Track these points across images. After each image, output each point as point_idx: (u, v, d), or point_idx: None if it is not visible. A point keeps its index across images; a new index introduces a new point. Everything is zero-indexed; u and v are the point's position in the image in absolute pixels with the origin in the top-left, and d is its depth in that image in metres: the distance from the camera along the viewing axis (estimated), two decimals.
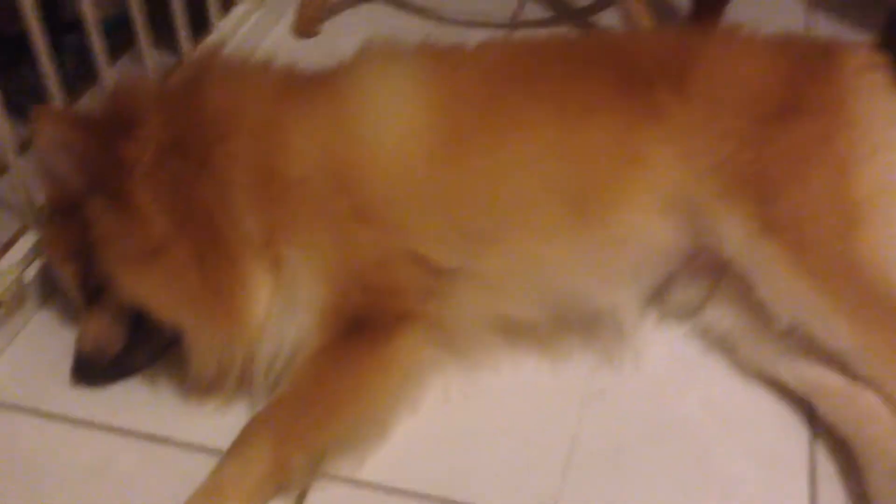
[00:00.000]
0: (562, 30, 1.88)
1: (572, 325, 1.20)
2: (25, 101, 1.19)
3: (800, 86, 1.15)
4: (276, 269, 1.12)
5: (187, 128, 1.13)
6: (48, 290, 1.29)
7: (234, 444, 1.05)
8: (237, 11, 1.77)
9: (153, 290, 1.09)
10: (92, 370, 1.17)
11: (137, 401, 1.18)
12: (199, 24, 1.69)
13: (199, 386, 1.15)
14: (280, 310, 1.12)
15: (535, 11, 1.95)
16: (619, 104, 1.17)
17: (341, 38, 1.86)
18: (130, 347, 1.16)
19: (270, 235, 1.11)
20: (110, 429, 1.14)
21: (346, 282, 1.10)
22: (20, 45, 1.27)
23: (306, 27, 1.88)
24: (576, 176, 1.15)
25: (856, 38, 1.65)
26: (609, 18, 1.87)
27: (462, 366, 1.17)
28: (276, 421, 1.05)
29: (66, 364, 1.19)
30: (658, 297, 1.25)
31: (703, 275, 1.20)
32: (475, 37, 1.86)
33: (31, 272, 1.27)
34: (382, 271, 1.11)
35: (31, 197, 1.27)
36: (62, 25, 1.64)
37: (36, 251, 1.27)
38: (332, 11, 1.94)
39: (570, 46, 1.29)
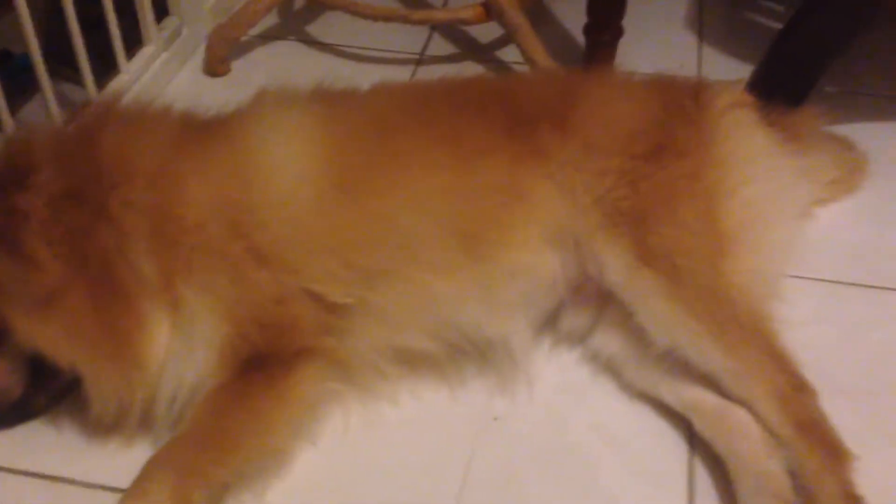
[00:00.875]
0: (466, 64, 1.95)
1: (467, 355, 1.25)
2: None
3: (670, 126, 1.24)
4: (175, 311, 1.15)
5: (83, 175, 1.16)
6: None
7: (135, 482, 1.07)
8: (145, 52, 1.80)
9: (50, 335, 1.11)
10: None
11: (41, 443, 1.19)
12: (109, 64, 1.71)
13: (100, 426, 1.17)
14: (179, 349, 1.14)
15: (441, 47, 2.02)
16: (506, 144, 1.24)
17: (252, 75, 1.90)
18: (31, 391, 1.18)
19: (168, 278, 1.14)
20: (14, 471, 1.16)
21: (244, 320, 1.14)
22: None
23: (216, 66, 1.91)
24: (465, 214, 1.21)
25: (745, 73, 1.74)
26: (511, 54, 1.94)
27: (361, 397, 1.22)
28: (176, 457, 1.08)
29: None
30: (549, 325, 1.31)
31: (590, 303, 1.27)
32: (384, 72, 1.94)
33: None
34: (279, 309, 1.15)
35: None
36: None
37: None
38: (243, 50, 1.98)
39: (460, 89, 1.35)
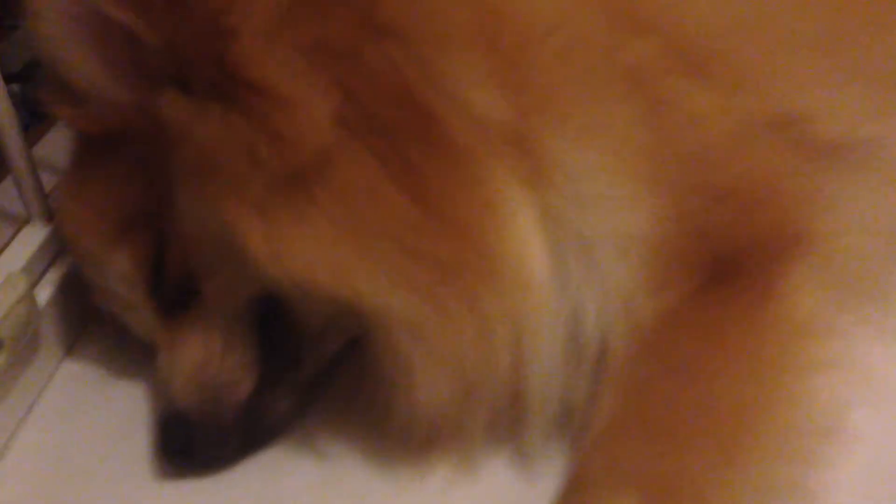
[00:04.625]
0: None
1: None
2: None
3: None
4: (538, 187, 0.57)
5: None
6: (78, 317, 0.73)
7: None
8: None
9: (322, 248, 0.53)
10: (203, 439, 0.60)
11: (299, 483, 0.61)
12: None
13: (416, 435, 0.59)
14: (557, 259, 0.57)
15: None
16: None
17: None
18: (267, 386, 0.61)
19: (518, 124, 0.57)
20: None
21: (678, 189, 0.57)
22: None
23: None
24: None
25: None
26: None
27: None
28: (634, 465, 0.51)
29: (138, 435, 0.64)
30: None
31: None
32: None
33: (46, 288, 0.71)
34: (740, 159, 0.58)
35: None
36: None
37: (52, 249, 0.71)
38: None
39: None
